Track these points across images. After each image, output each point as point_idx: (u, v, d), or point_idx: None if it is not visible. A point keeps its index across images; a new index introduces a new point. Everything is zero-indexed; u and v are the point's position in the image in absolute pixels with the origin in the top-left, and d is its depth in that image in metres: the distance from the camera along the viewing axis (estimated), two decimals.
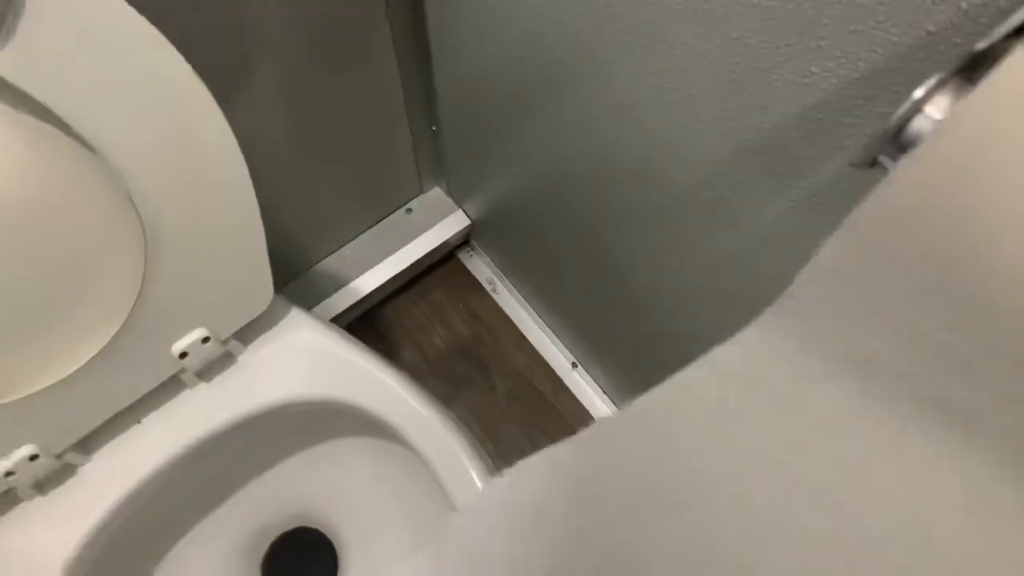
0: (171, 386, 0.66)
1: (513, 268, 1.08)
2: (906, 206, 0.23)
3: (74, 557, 0.62)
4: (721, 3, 0.40)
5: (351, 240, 1.05)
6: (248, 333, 0.68)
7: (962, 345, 0.21)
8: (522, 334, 1.08)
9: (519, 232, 0.97)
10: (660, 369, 0.82)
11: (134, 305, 0.57)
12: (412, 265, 1.05)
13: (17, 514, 0.63)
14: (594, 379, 1.04)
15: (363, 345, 0.69)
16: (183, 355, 0.63)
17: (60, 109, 0.45)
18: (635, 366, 0.90)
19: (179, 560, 0.75)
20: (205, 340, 0.63)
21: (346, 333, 0.71)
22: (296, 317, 0.69)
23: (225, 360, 0.67)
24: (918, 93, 0.25)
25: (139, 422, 0.66)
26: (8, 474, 0.59)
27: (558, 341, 1.06)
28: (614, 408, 1.03)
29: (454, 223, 1.07)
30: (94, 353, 0.58)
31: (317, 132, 0.82)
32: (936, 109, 0.25)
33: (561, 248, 0.86)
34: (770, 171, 0.46)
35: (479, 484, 0.62)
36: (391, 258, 1.05)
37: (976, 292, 0.21)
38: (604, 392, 1.03)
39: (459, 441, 0.64)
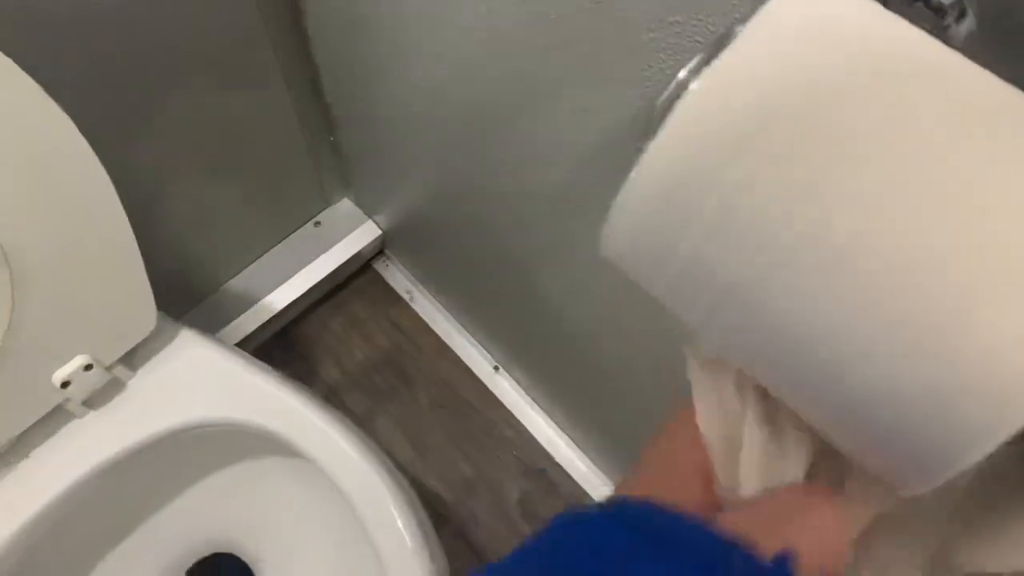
0: (58, 417, 0.65)
1: (430, 276, 1.08)
2: None
3: None
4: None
5: (260, 257, 1.04)
6: (135, 358, 0.67)
7: None
8: (443, 342, 1.09)
9: (432, 239, 0.97)
10: (576, 367, 0.83)
11: (3, 336, 0.56)
12: (325, 278, 1.05)
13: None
14: (517, 381, 1.05)
15: (259, 363, 0.69)
16: (65, 384, 0.61)
17: None
18: (554, 365, 0.91)
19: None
20: (88, 367, 0.62)
21: (241, 352, 0.70)
22: (187, 338, 0.68)
23: (113, 387, 0.66)
24: (682, 74, 0.26)
25: (27, 456, 0.64)
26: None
27: (479, 346, 1.07)
28: (539, 409, 1.03)
29: (365, 234, 1.07)
30: None
31: (210, 152, 0.81)
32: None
33: (473, 254, 0.87)
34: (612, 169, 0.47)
35: (388, 497, 0.62)
36: (302, 272, 1.04)
37: None
38: (527, 393, 1.04)
39: (362, 452, 0.64)
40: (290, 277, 1.03)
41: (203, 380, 0.67)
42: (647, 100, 0.38)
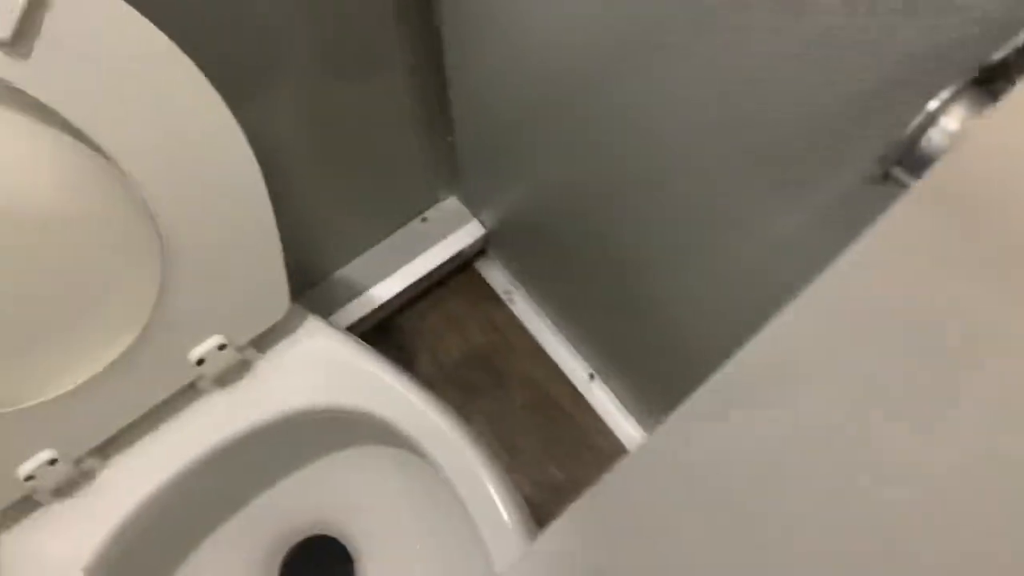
0: (188, 393, 0.68)
1: (530, 278, 1.09)
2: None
3: (92, 563, 0.63)
4: (734, 19, 0.41)
5: (367, 249, 1.07)
6: (265, 341, 0.69)
7: None
8: (539, 344, 1.09)
9: (536, 242, 0.98)
10: (679, 380, 0.83)
11: (152, 313, 0.59)
12: (427, 274, 1.07)
13: (36, 519, 0.65)
14: (613, 391, 1.04)
15: (379, 354, 0.71)
16: (200, 362, 0.64)
17: (77, 120, 0.47)
18: (654, 377, 0.91)
19: (196, 566, 0.77)
20: (222, 347, 0.65)
21: (362, 342, 0.72)
22: (313, 325, 0.71)
23: (241, 367, 0.69)
24: (932, 105, 0.26)
25: (157, 429, 0.68)
26: (28, 479, 0.61)
27: (576, 352, 1.07)
28: (633, 420, 1.03)
29: (469, 232, 1.08)
30: (112, 360, 0.60)
31: (331, 142, 0.83)
32: (952, 120, 0.26)
33: (577, 258, 0.87)
34: (780, 183, 0.47)
35: (495, 496, 0.63)
36: (406, 267, 1.06)
37: None
38: (623, 404, 1.03)
39: (475, 452, 0.65)
40: (395, 271, 1.06)
41: (326, 366, 0.69)
42: (883, 125, 0.36)
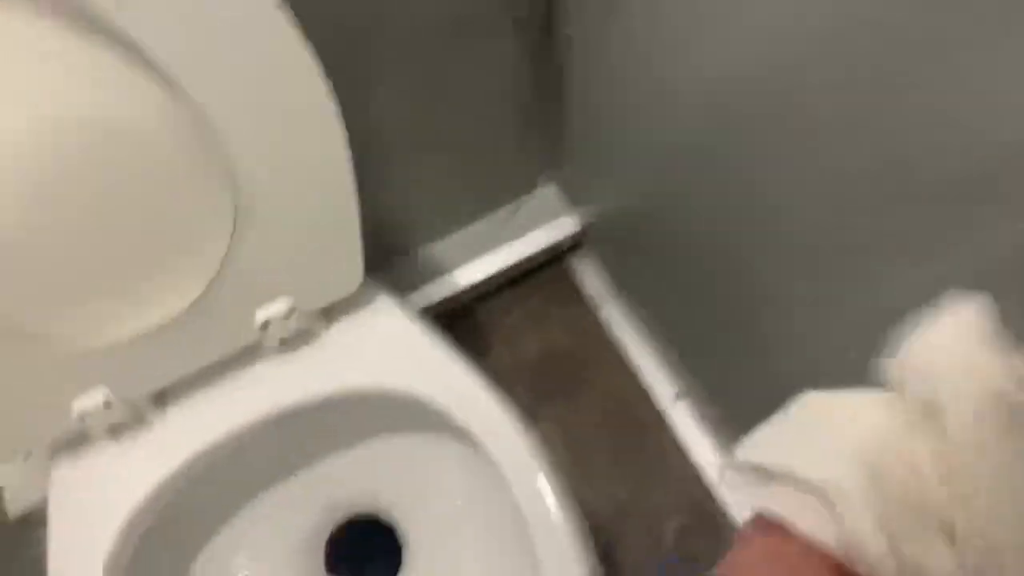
0: (250, 354, 0.66)
1: (625, 284, 1.03)
2: None
3: (141, 505, 0.62)
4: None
5: (455, 231, 1.04)
6: (334, 312, 0.67)
7: None
8: (626, 354, 1.03)
9: (638, 247, 0.92)
10: (770, 411, 0.75)
11: (221, 263, 0.57)
12: (514, 265, 1.03)
13: (89, 457, 0.64)
14: (700, 415, 0.97)
15: (452, 344, 0.67)
16: (265, 325, 0.62)
17: (167, 58, 0.45)
18: (748, 408, 0.83)
19: (241, 529, 0.75)
20: (290, 312, 0.62)
21: (435, 328, 0.68)
22: (385, 304, 0.68)
23: (306, 336, 0.66)
24: None
25: (214, 385, 0.66)
26: (82, 416, 0.60)
27: (664, 368, 1.01)
28: (715, 447, 0.96)
29: (564, 226, 1.03)
30: (180, 309, 0.59)
31: (428, 111, 0.80)
32: None
33: (684, 274, 0.81)
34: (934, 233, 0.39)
35: (552, 507, 0.58)
36: (492, 255, 1.02)
37: None
38: (707, 431, 0.96)
39: (537, 458, 0.61)
40: (479, 257, 1.02)
41: (392, 348, 0.66)
42: None
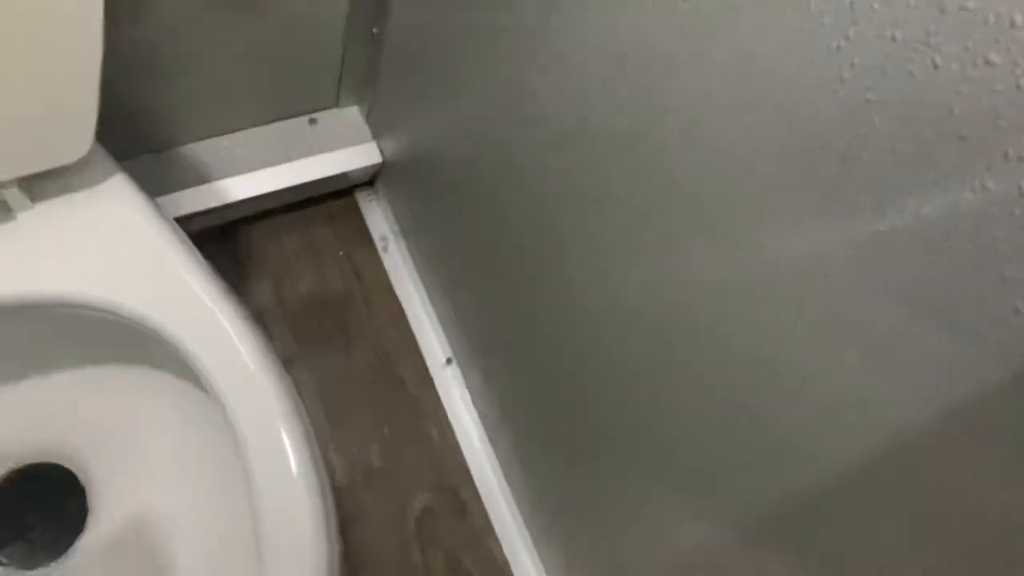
0: None
1: (415, 232, 0.94)
2: None
3: None
4: None
5: (235, 131, 0.88)
6: (42, 186, 0.51)
7: None
8: (402, 309, 0.95)
9: (436, 195, 0.84)
10: (555, 406, 0.71)
11: None
12: (299, 186, 0.90)
13: None
14: (466, 383, 0.92)
15: (203, 260, 0.54)
16: None
17: None
18: (526, 390, 0.78)
19: None
20: None
21: (184, 235, 0.55)
22: (119, 188, 0.53)
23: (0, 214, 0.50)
24: None
25: None
26: None
27: (440, 329, 0.93)
28: (478, 420, 0.90)
29: (363, 155, 0.92)
30: None
31: None
32: None
33: (479, 229, 0.74)
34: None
35: (293, 466, 0.48)
36: (277, 168, 0.89)
37: None
38: (472, 401, 0.91)
39: (283, 406, 0.50)
40: (260, 168, 0.88)
41: (119, 248, 0.51)
42: None
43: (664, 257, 0.47)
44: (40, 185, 0.50)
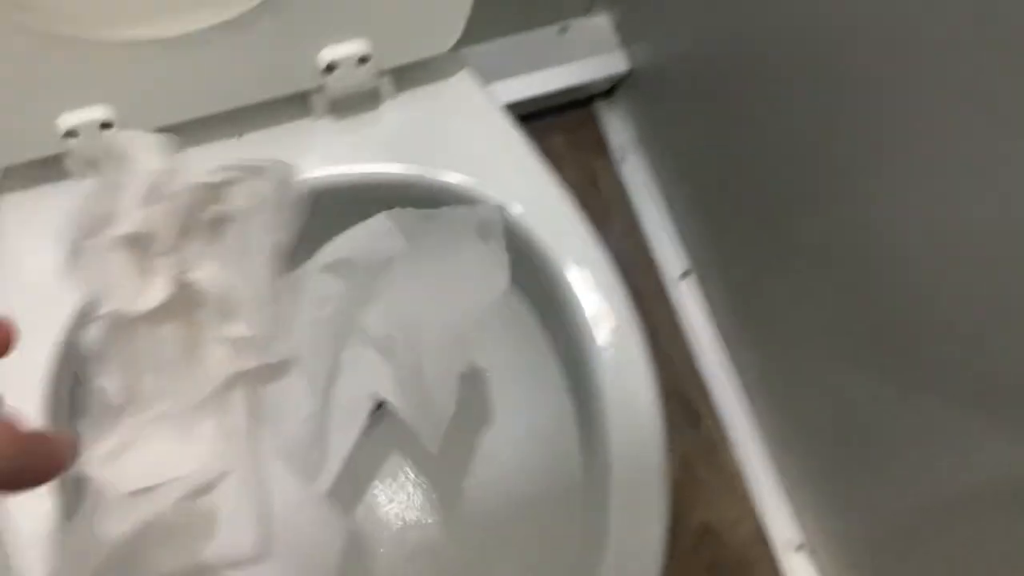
0: (294, 107, 0.53)
1: (657, 144, 0.94)
2: None
3: None
4: None
5: (483, 42, 0.90)
6: (409, 76, 0.54)
7: None
8: (636, 219, 0.95)
9: (685, 107, 0.83)
10: (801, 324, 0.71)
11: None
12: (542, 95, 0.91)
13: (62, 188, 0.49)
14: (705, 296, 0.92)
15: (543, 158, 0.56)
16: (330, 68, 0.49)
17: None
18: (770, 302, 0.78)
19: None
20: (362, 60, 0.49)
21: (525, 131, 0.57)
22: (470, 84, 0.55)
23: (368, 101, 0.53)
24: None
25: (239, 136, 0.52)
26: (69, 134, 0.46)
27: (678, 241, 0.94)
28: (716, 333, 0.91)
29: (610, 64, 0.92)
30: (222, 19, 0.44)
31: None
32: None
33: (733, 144, 0.74)
34: None
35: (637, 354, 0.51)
36: (523, 77, 0.90)
37: None
38: (712, 314, 0.91)
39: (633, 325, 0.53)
40: (506, 77, 0.89)
41: (470, 133, 0.54)
42: None
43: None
44: (408, 75, 0.53)
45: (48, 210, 0.48)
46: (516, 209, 0.53)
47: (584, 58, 0.91)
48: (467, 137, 0.54)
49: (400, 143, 0.53)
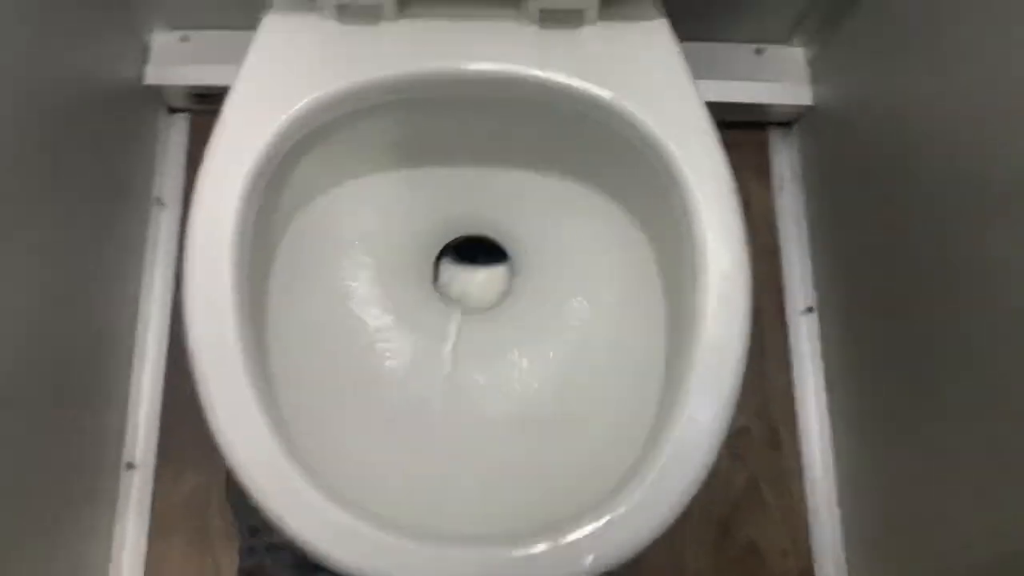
0: (507, 9, 0.62)
1: (819, 183, 0.98)
2: None
3: (319, 101, 0.61)
4: None
5: (685, 40, 0.97)
6: (613, 11, 0.63)
7: None
8: (777, 247, 1.00)
9: (860, 158, 0.87)
10: (911, 383, 0.72)
11: None
12: (727, 104, 0.97)
13: (304, 31, 0.63)
14: (820, 335, 0.95)
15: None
16: None
17: None
18: (889, 356, 0.80)
19: (351, 193, 0.74)
20: None
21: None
22: (666, 35, 0.65)
23: (571, 18, 0.62)
24: None
25: (463, 19, 0.63)
26: None
27: (810, 278, 0.97)
28: (820, 370, 0.93)
29: (794, 94, 0.98)
30: None
31: None
32: None
33: (896, 211, 0.78)
34: None
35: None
36: (710, 82, 0.96)
37: None
38: (823, 353, 0.94)
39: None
40: (697, 77, 0.97)
41: (654, 73, 0.63)
42: None
43: None
44: (612, 7, 0.63)
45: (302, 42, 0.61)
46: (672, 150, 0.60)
47: (773, 81, 0.97)
48: (647, 77, 0.62)
49: (589, 63, 0.62)
